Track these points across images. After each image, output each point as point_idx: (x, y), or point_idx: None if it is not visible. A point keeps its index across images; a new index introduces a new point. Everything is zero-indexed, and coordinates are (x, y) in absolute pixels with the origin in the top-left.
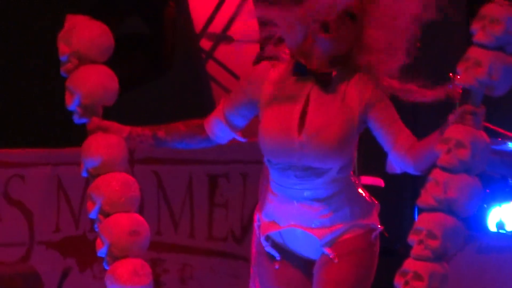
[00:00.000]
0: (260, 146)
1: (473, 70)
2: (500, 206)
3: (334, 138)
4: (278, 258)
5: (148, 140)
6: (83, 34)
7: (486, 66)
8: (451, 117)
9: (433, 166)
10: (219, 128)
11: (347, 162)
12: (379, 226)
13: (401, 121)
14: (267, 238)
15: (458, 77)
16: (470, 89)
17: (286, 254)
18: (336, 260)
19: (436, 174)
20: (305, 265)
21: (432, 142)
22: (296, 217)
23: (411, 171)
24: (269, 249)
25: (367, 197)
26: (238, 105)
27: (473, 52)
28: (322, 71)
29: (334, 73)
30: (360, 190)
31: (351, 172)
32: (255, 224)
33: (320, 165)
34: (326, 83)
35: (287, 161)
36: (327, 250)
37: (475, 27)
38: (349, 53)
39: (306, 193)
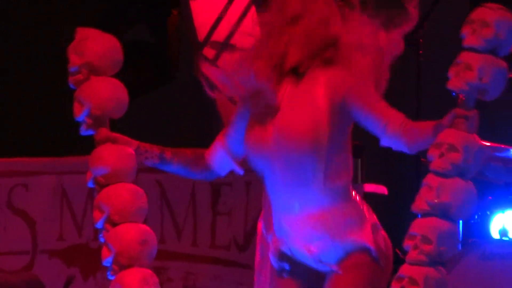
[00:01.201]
0: (247, 157)
1: (463, 74)
2: (503, 213)
3: (302, 127)
4: (287, 269)
5: (154, 158)
6: (96, 46)
7: (476, 70)
8: (445, 119)
9: (427, 171)
10: (220, 156)
11: (331, 167)
12: (372, 245)
13: (384, 101)
14: (280, 253)
15: (449, 82)
16: (462, 94)
17: (296, 267)
18: (339, 272)
19: (429, 179)
20: (316, 276)
21: (428, 128)
22: (298, 236)
23: (406, 150)
24: (281, 263)
25: (363, 213)
26: (237, 129)
27: (464, 57)
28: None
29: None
30: (357, 206)
31: (349, 187)
32: (261, 232)
33: (296, 158)
34: (300, 74)
35: (269, 163)
36: (330, 266)
37: (465, 31)
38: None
39: (297, 206)
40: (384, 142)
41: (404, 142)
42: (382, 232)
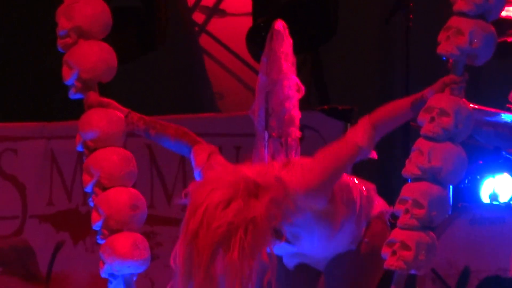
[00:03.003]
0: None
1: (454, 39)
2: (493, 177)
3: None
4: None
5: (139, 132)
6: (86, 9)
7: (467, 34)
8: (429, 89)
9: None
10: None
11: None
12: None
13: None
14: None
15: (440, 46)
16: (452, 58)
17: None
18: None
19: (420, 143)
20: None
21: (401, 105)
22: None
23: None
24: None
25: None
26: None
27: (454, 21)
28: None
29: None
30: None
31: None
32: None
33: None
34: None
35: None
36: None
37: None
38: None
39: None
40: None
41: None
42: (378, 202)
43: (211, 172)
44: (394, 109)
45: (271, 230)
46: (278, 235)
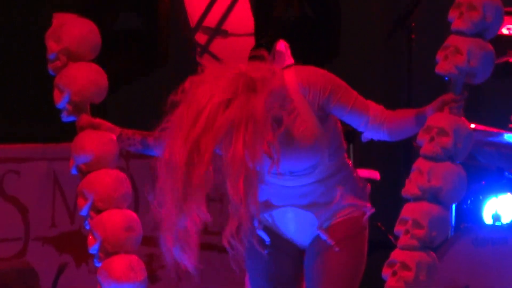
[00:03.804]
0: None
1: (452, 58)
2: (496, 198)
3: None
4: (268, 242)
5: (136, 145)
6: (73, 31)
7: (465, 53)
8: (429, 107)
9: (417, 155)
10: None
11: (331, 150)
12: (370, 208)
13: (359, 95)
14: (259, 221)
15: (438, 65)
16: (450, 77)
17: (276, 240)
18: (337, 249)
19: (420, 163)
20: (295, 253)
21: (410, 115)
22: (289, 197)
23: (387, 139)
24: (260, 232)
25: (359, 180)
26: None
27: (452, 40)
28: None
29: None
30: (353, 172)
31: (345, 155)
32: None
33: (301, 165)
34: None
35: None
36: (324, 235)
37: (452, 15)
38: None
39: (301, 185)
40: (367, 135)
41: (385, 131)
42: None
43: (209, 68)
44: (404, 117)
45: (271, 120)
46: (278, 123)
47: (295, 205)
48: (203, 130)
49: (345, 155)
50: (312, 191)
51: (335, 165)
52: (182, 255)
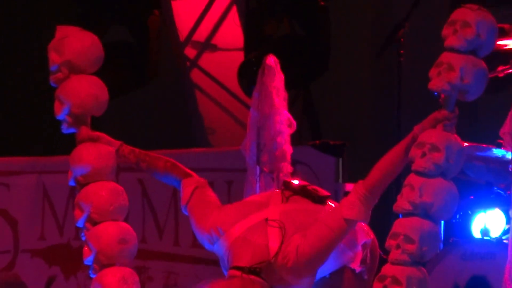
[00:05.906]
0: None
1: (445, 75)
2: (484, 212)
3: None
4: None
5: (130, 165)
6: (75, 44)
7: (458, 70)
8: (417, 127)
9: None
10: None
11: None
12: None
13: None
14: None
15: (431, 82)
16: (443, 94)
17: None
18: None
19: (411, 179)
20: None
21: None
22: None
23: None
24: None
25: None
26: None
27: (445, 57)
28: None
29: None
30: None
31: None
32: None
33: None
34: None
35: None
36: None
37: (446, 32)
38: None
39: None
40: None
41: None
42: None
43: None
44: (389, 163)
45: None
46: None
47: None
48: None
49: None
50: None
51: None
52: None
